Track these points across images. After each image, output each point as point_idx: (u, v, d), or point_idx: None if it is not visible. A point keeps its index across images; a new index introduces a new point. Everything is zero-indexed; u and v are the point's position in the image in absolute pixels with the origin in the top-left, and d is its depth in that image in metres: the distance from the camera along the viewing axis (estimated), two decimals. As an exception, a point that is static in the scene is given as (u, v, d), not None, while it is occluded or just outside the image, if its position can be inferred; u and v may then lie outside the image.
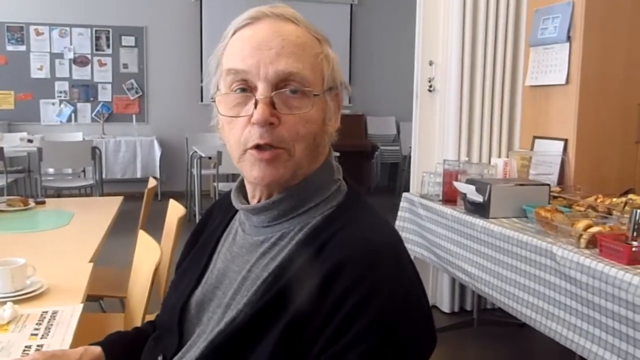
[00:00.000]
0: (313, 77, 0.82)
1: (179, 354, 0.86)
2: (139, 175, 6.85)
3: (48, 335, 1.17)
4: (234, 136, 0.83)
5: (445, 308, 3.39)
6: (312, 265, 0.78)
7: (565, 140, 2.92)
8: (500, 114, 3.31)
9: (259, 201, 0.88)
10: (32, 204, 2.58)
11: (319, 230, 0.82)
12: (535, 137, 3.15)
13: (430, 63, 3.36)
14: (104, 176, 5.92)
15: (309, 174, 0.86)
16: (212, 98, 0.87)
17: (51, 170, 5.93)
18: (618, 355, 1.74)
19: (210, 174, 5.75)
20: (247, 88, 0.81)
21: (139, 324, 1.55)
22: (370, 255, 0.76)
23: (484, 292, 2.44)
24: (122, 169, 6.86)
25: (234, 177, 5.65)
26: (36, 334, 1.18)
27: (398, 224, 3.13)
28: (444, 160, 2.94)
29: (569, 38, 2.86)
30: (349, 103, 7.95)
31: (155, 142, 6.97)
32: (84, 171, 6.24)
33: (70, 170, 6.31)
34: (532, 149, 3.13)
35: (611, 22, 2.81)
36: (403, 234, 3.09)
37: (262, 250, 0.85)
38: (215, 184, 5.10)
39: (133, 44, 7.41)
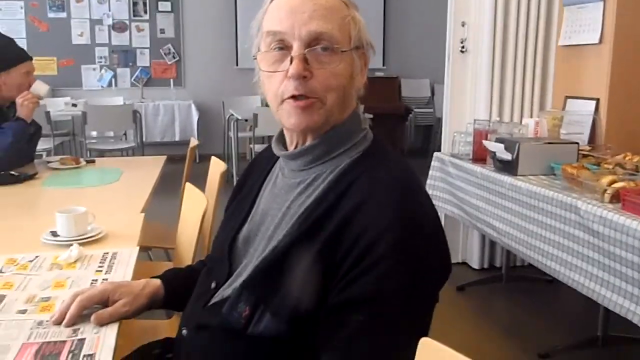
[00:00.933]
0: (341, 36, 0.94)
1: (229, 280, 1.00)
2: (177, 139, 7.06)
3: (111, 271, 1.32)
4: (273, 89, 0.95)
5: (475, 264, 3.49)
6: (340, 201, 0.91)
7: (597, 100, 2.95)
8: (532, 75, 3.32)
9: (295, 147, 1.01)
10: (83, 162, 2.75)
11: (347, 172, 0.95)
12: (567, 97, 3.18)
13: (463, 24, 3.39)
14: (144, 139, 6.13)
15: (339, 123, 0.98)
16: (254, 56, 1.00)
17: (94, 134, 6.16)
18: (637, 302, 1.82)
19: (246, 137, 5.90)
20: (283, 47, 0.94)
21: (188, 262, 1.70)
22: (389, 192, 0.89)
23: (512, 247, 2.53)
24: (161, 132, 7.06)
25: (269, 139, 5.77)
26: (100, 270, 1.33)
27: (429, 182, 3.22)
28: (475, 120, 3.00)
29: (603, -4, 2.86)
30: (383, 65, 7.95)
31: (193, 106, 7.14)
32: (125, 134, 6.45)
33: (112, 134, 6.54)
34: (564, 108, 3.16)
35: (646, -20, 2.79)
36: (434, 193, 3.18)
37: (299, 190, 0.98)
38: (251, 145, 5.25)
39: (169, 9, 7.53)
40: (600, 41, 2.89)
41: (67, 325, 1.03)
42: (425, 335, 0.81)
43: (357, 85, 0.99)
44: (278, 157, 1.08)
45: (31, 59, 2.61)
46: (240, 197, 1.14)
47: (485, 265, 3.51)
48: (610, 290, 1.94)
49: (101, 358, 0.92)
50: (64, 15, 7.32)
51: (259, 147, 5.18)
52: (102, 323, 1.04)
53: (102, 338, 0.99)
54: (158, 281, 1.18)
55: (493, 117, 3.27)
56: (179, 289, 1.18)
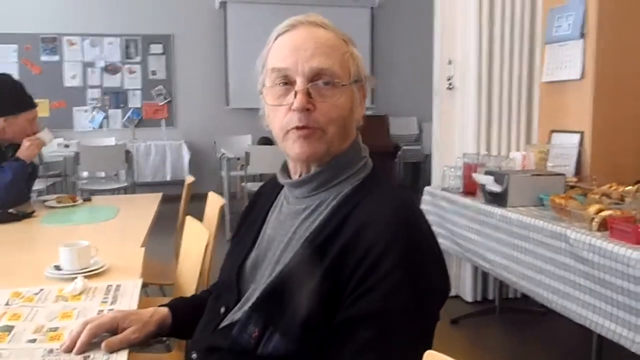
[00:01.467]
0: (341, 71, 1.01)
1: (238, 305, 1.04)
2: (168, 178, 7.09)
3: (116, 302, 1.35)
4: (278, 121, 1.02)
5: (468, 297, 3.52)
6: (344, 224, 0.96)
7: (582, 133, 3.04)
8: (518, 110, 3.43)
9: (299, 176, 1.07)
10: (80, 200, 2.78)
11: (349, 197, 1.02)
12: (552, 131, 3.27)
13: (449, 62, 3.51)
14: (135, 179, 6.16)
15: (340, 152, 1.04)
16: (260, 92, 1.06)
17: (85, 174, 6.18)
18: (629, 328, 1.87)
19: (237, 175, 5.95)
20: (288, 82, 1.01)
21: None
22: (389, 214, 0.96)
23: (504, 277, 2.57)
24: (153, 172, 7.10)
25: (261, 177, 5.84)
26: (105, 302, 1.36)
27: (421, 216, 3.27)
28: (464, 154, 3.08)
29: (582, 35, 2.98)
30: (372, 104, 8.09)
31: (184, 146, 7.20)
32: (117, 174, 6.48)
33: (103, 174, 6.57)
34: (549, 142, 3.25)
35: (623, 19, 2.93)
36: (426, 226, 3.23)
37: (304, 216, 1.04)
38: (243, 184, 5.29)
39: (161, 52, 7.67)
40: (582, 77, 3.00)
41: (78, 353, 1.07)
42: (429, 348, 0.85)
43: (356, 117, 1.06)
44: (282, 187, 1.13)
45: (36, 106, 2.71)
46: (246, 225, 1.19)
47: (479, 298, 3.54)
48: (601, 317, 1.99)
49: (114, 382, 0.95)
50: (56, 58, 7.42)
51: (251, 185, 5.23)
52: (112, 350, 1.07)
53: (114, 363, 1.02)
54: (165, 309, 1.22)
55: (481, 151, 3.35)
56: (186, 316, 1.22)
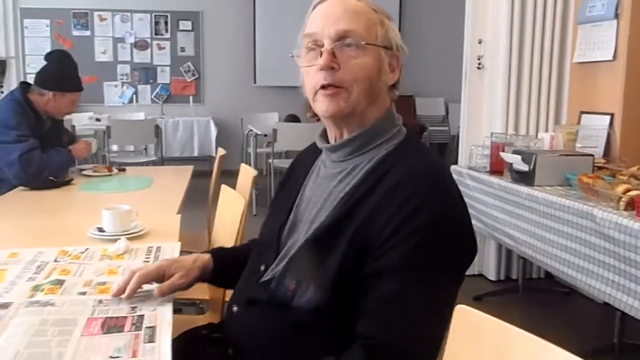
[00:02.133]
0: (366, 33, 1.06)
1: (276, 261, 1.10)
2: (195, 154, 7.18)
3: (144, 303, 1.41)
4: (309, 83, 1.09)
5: (491, 276, 3.55)
6: (377, 186, 1.02)
7: (612, 115, 3.03)
8: (547, 90, 3.41)
9: (335, 141, 1.13)
10: (115, 170, 2.88)
11: (383, 161, 1.07)
12: (582, 112, 3.26)
13: (480, 41, 3.50)
14: (163, 154, 6.27)
15: (375, 120, 1.10)
16: (297, 55, 1.12)
17: (115, 148, 6.31)
18: (652, 305, 1.89)
19: (264, 152, 6.02)
20: (317, 46, 1.07)
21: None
22: (422, 176, 1.01)
23: (529, 255, 2.60)
24: (180, 147, 7.19)
25: (287, 154, 5.89)
26: (148, 261, 1.43)
27: (447, 194, 3.30)
28: (492, 133, 3.09)
29: (616, 15, 2.95)
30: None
31: (212, 122, 7.28)
32: (145, 149, 6.60)
33: (132, 148, 6.70)
34: (578, 123, 3.25)
35: (659, -1, 2.89)
36: (451, 204, 3.26)
37: (339, 179, 1.10)
38: (270, 160, 5.36)
39: (190, 28, 7.73)
40: (614, 58, 2.98)
41: (127, 299, 1.15)
42: (452, 308, 0.90)
43: (385, 81, 1.10)
44: (320, 152, 1.19)
45: (82, 90, 2.85)
46: (286, 189, 1.25)
47: (502, 277, 3.57)
48: (625, 294, 2.01)
49: (162, 330, 1.01)
50: (88, 33, 7.53)
51: (277, 162, 5.29)
52: (164, 294, 1.17)
53: (160, 314, 1.09)
54: (207, 256, 1.31)
55: (509, 131, 3.35)
56: (226, 264, 1.31)
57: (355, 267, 0.98)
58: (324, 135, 1.18)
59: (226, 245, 1.78)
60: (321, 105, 1.07)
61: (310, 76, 1.08)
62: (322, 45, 1.06)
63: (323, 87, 1.05)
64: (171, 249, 1.52)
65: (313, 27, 1.08)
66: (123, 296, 1.15)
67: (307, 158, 1.26)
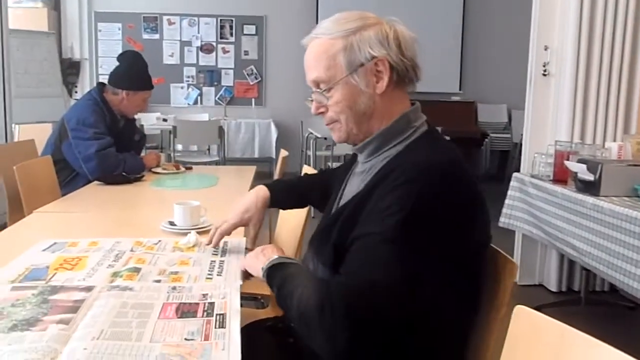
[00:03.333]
0: (327, 75, 1.18)
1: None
2: (256, 155, 7.33)
3: (225, 255, 1.50)
4: None
5: (552, 287, 3.48)
6: (381, 180, 1.11)
7: (685, 125, 2.93)
8: (617, 98, 3.32)
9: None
10: (182, 168, 3.00)
11: (393, 159, 1.17)
12: (652, 122, 3.16)
13: (546, 48, 3.44)
14: (225, 154, 6.44)
15: (387, 126, 1.19)
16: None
17: (179, 147, 6.53)
18: None
19: (322, 156, 6.09)
20: None
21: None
22: (423, 160, 1.09)
23: (592, 266, 2.55)
24: (242, 148, 7.36)
25: (345, 157, 5.94)
26: (216, 254, 1.50)
27: (508, 202, 3.27)
28: (556, 141, 3.04)
29: (692, 22, 2.86)
30: (460, 90, 7.99)
31: (272, 125, 7.42)
32: (209, 149, 6.80)
33: (195, 148, 6.91)
34: (649, 133, 3.15)
35: None
36: (512, 212, 3.23)
37: (362, 177, 1.24)
38: (329, 163, 5.42)
39: (254, 32, 7.91)
40: (689, 66, 2.88)
41: (214, 246, 1.50)
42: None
43: (371, 95, 1.18)
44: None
45: (152, 88, 3.00)
46: (334, 189, 1.40)
47: (563, 289, 3.49)
48: (694, 310, 1.95)
49: (231, 316, 1.08)
50: (157, 36, 7.83)
51: (336, 165, 5.34)
52: (254, 243, 1.48)
53: (229, 301, 1.15)
54: (266, 193, 1.52)
55: (575, 139, 3.28)
56: (283, 197, 1.57)
57: (346, 243, 1.09)
58: None
59: (287, 247, 1.86)
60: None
61: None
62: None
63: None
64: (237, 244, 1.59)
65: None
66: (210, 245, 1.49)
67: (348, 163, 1.43)
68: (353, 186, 1.26)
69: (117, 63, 2.94)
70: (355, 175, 1.30)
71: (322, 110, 1.21)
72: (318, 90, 1.20)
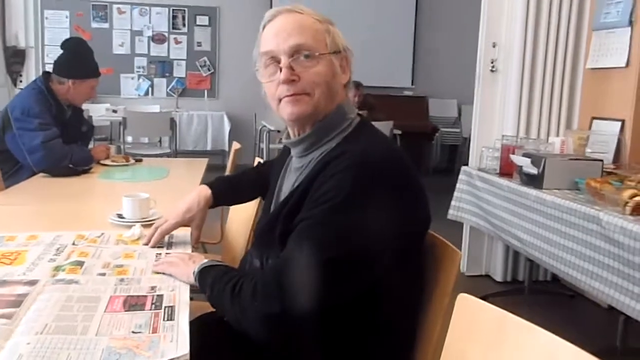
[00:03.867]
0: (315, 44, 1.19)
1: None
2: (209, 148, 7.27)
3: (171, 248, 1.48)
4: (272, 94, 1.22)
5: (498, 277, 3.59)
6: (318, 176, 1.12)
7: (623, 121, 3.06)
8: (560, 95, 3.44)
9: (297, 136, 1.27)
10: (132, 160, 2.95)
11: (330, 152, 1.17)
12: (593, 118, 3.29)
13: (494, 45, 3.53)
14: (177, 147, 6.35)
15: (326, 116, 1.21)
16: (255, 70, 1.26)
17: (129, 139, 6.40)
18: (654, 309, 1.93)
19: (276, 148, 6.07)
20: (275, 62, 1.19)
21: (240, 256, 1.87)
22: (360, 149, 1.12)
23: (535, 257, 2.64)
24: (194, 141, 7.28)
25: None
26: (162, 246, 1.49)
27: (456, 195, 3.35)
28: (503, 136, 3.13)
29: (631, 22, 2.98)
30: (412, 84, 8.11)
31: (225, 117, 7.36)
32: (160, 141, 6.68)
33: (147, 140, 6.78)
34: (589, 129, 3.28)
35: (673, 8, 2.91)
36: (460, 205, 3.31)
37: (300, 172, 1.26)
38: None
39: (207, 24, 7.82)
40: (627, 64, 3.01)
41: (152, 246, 1.46)
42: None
43: (339, 81, 1.23)
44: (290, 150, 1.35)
45: (100, 75, 2.91)
46: (270, 187, 1.41)
47: (508, 279, 3.61)
48: (629, 297, 2.05)
49: (180, 309, 1.07)
50: (106, 25, 7.65)
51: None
52: (197, 242, 1.51)
53: (178, 294, 1.15)
54: (208, 193, 1.53)
55: (521, 134, 3.39)
56: (227, 195, 1.59)
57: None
58: (288, 133, 1.32)
59: (239, 237, 1.86)
60: (285, 109, 1.20)
61: (273, 89, 1.20)
62: (279, 61, 1.18)
63: (287, 96, 1.18)
64: (183, 237, 1.58)
65: (268, 45, 1.20)
66: (149, 245, 1.47)
67: (281, 157, 1.42)
68: (290, 181, 1.28)
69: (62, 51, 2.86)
70: (292, 171, 1.31)
71: (294, 78, 1.17)
72: (298, 56, 1.17)
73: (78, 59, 2.82)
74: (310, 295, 1.01)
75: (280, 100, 1.19)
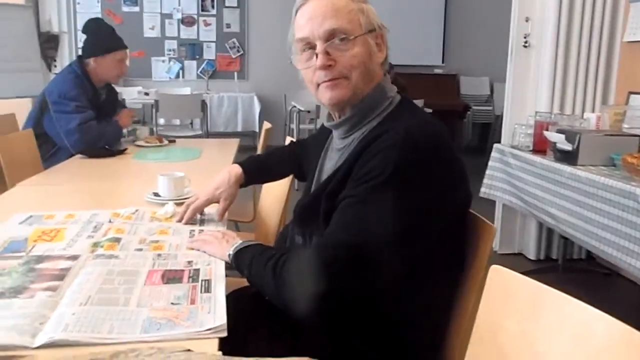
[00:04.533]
0: (350, 26, 1.17)
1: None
2: (239, 129, 7.31)
3: (203, 225, 1.52)
4: (310, 80, 1.23)
5: (531, 255, 3.56)
6: (364, 149, 1.12)
7: (661, 95, 2.98)
8: (595, 70, 3.36)
9: (339, 118, 1.28)
10: (165, 141, 2.99)
11: (373, 131, 1.18)
12: (630, 93, 3.21)
13: (527, 19, 3.46)
14: (208, 128, 6.41)
15: (365, 96, 1.21)
16: (290, 61, 1.27)
17: (162, 121, 6.48)
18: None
19: (306, 129, 6.09)
20: (310, 47, 1.19)
21: (273, 234, 1.89)
22: (404, 128, 1.10)
23: (569, 234, 2.61)
24: (225, 122, 7.33)
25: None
26: (195, 223, 1.52)
27: (488, 172, 3.32)
28: (536, 112, 3.08)
29: (670, -7, 2.89)
30: (442, 62, 8.00)
31: (255, 98, 7.38)
32: (191, 123, 6.76)
33: (178, 122, 6.86)
34: (626, 104, 3.20)
35: None
36: (492, 182, 3.28)
37: (341, 153, 1.26)
38: (312, 136, 5.41)
39: (235, 5, 7.82)
40: (667, 37, 2.93)
41: (185, 223, 1.50)
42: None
43: (376, 60, 1.22)
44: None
45: (125, 47, 2.92)
46: (310, 166, 1.42)
47: (542, 257, 3.57)
48: (666, 274, 2.02)
49: (216, 282, 1.10)
50: (137, 9, 7.71)
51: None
52: (222, 216, 1.54)
53: (214, 268, 1.18)
54: (239, 170, 1.56)
55: (555, 110, 3.33)
56: (256, 173, 1.61)
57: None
58: (330, 116, 1.31)
59: (272, 215, 1.89)
60: (324, 94, 1.20)
61: (310, 75, 1.21)
62: (315, 47, 1.17)
63: (324, 81, 1.18)
64: (215, 214, 1.60)
65: (302, 32, 1.19)
66: (182, 222, 1.50)
67: (323, 134, 1.41)
68: (332, 161, 1.29)
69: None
70: (334, 151, 1.31)
71: (331, 63, 1.16)
72: (333, 40, 1.16)
73: (94, 37, 2.87)
74: (354, 274, 1.02)
75: (318, 85, 1.20)
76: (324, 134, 1.41)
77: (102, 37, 2.87)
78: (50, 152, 2.78)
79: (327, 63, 1.15)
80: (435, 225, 1.09)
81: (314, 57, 1.17)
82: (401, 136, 1.08)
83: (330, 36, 1.16)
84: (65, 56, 7.26)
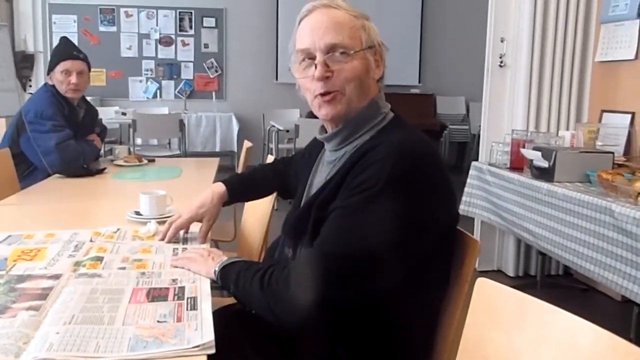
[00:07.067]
0: (351, 42, 1.20)
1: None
2: (217, 149, 7.28)
3: (187, 243, 1.50)
4: (306, 88, 1.24)
5: (510, 272, 3.59)
6: (354, 167, 1.13)
7: (633, 114, 3.06)
8: (569, 89, 3.44)
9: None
10: (145, 161, 2.98)
11: (364, 146, 1.19)
12: (603, 111, 3.29)
13: (502, 39, 3.54)
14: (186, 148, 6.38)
15: (359, 110, 1.23)
16: (289, 68, 1.28)
17: (139, 141, 6.43)
18: (668, 298, 1.93)
19: (284, 148, 6.10)
20: (310, 58, 1.21)
21: (257, 253, 1.89)
22: (397, 142, 1.12)
23: (547, 250, 2.64)
24: (203, 142, 7.30)
25: (308, 150, 5.96)
26: (178, 242, 1.51)
27: (467, 190, 3.36)
28: (513, 130, 3.14)
29: (639, 15, 2.98)
30: (419, 82, 8.11)
31: (234, 118, 7.38)
32: (169, 143, 6.72)
33: (156, 142, 6.82)
34: (599, 122, 3.28)
35: (682, -1, 2.91)
36: (471, 200, 3.32)
37: (333, 165, 1.27)
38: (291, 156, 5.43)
39: (214, 25, 7.85)
40: (636, 57, 3.01)
41: (168, 241, 1.49)
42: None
43: (373, 76, 1.25)
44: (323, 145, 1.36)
45: (69, 58, 2.78)
46: (300, 180, 1.42)
47: (520, 273, 3.61)
48: (642, 287, 2.05)
49: (202, 299, 1.09)
50: (114, 29, 7.69)
51: (298, 157, 5.36)
52: (204, 238, 1.51)
53: (199, 285, 1.17)
54: (222, 189, 1.56)
55: (530, 128, 3.39)
56: (239, 191, 1.61)
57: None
58: (322, 129, 1.33)
59: (255, 234, 1.88)
60: (321, 110, 1.23)
61: (307, 85, 1.23)
62: (314, 58, 1.19)
63: (321, 94, 1.20)
64: (198, 232, 1.59)
65: (304, 43, 1.21)
66: (164, 240, 1.49)
67: (314, 148, 1.43)
68: (323, 174, 1.29)
69: None
70: (325, 164, 1.32)
71: (328, 75, 1.18)
72: (336, 53, 1.18)
73: (51, 54, 2.92)
74: (343, 285, 1.03)
75: (315, 96, 1.22)
76: (315, 149, 1.43)
77: (53, 52, 2.89)
78: (27, 172, 2.74)
79: (325, 74, 1.18)
80: (427, 237, 1.10)
81: (313, 67, 1.19)
82: (396, 148, 1.09)
83: (330, 49, 1.18)
84: (41, 76, 7.19)
